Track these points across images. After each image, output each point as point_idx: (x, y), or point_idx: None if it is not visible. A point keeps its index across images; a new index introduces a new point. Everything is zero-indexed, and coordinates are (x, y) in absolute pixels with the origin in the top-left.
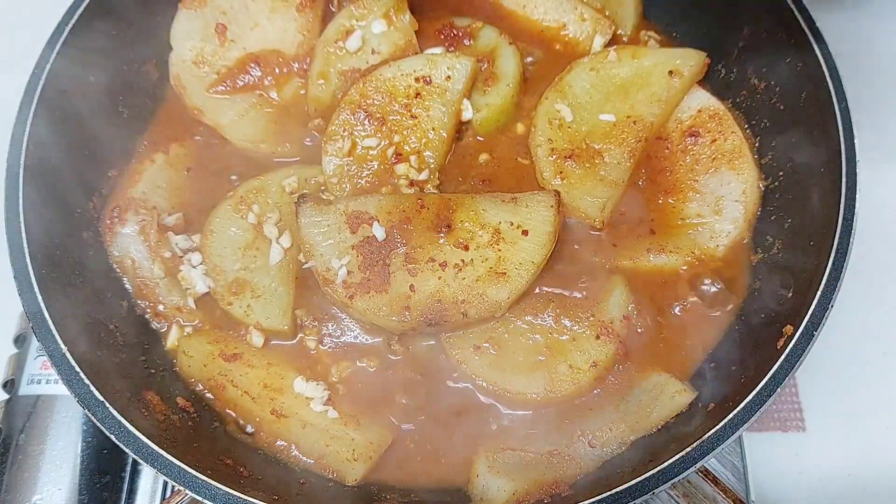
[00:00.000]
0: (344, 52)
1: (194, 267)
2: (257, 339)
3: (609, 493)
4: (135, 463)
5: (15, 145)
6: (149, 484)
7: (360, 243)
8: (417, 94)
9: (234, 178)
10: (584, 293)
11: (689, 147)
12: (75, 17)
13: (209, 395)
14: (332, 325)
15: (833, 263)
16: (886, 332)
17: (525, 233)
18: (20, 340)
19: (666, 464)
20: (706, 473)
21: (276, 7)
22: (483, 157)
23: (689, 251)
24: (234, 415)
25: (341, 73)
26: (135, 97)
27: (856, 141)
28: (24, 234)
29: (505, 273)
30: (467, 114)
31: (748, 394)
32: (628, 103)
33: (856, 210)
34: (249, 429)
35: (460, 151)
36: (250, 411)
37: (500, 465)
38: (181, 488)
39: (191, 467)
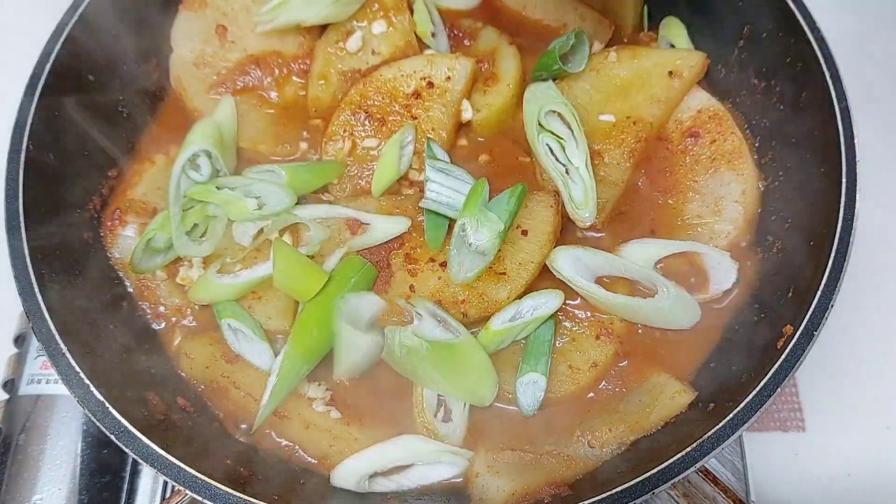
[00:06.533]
0: (344, 52)
1: (194, 268)
2: None
3: (609, 493)
4: (135, 463)
5: (15, 145)
6: (149, 484)
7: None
8: (417, 95)
9: None
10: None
11: (689, 147)
12: (76, 16)
13: (211, 396)
14: None
15: (833, 263)
16: (886, 332)
17: (525, 233)
18: (20, 340)
19: (666, 464)
20: (706, 473)
21: None
22: (483, 157)
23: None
24: (235, 415)
25: (341, 73)
26: (135, 98)
27: (856, 141)
28: (24, 234)
29: (505, 273)
30: (467, 114)
31: (748, 394)
32: (628, 104)
33: (856, 210)
34: (251, 429)
35: (460, 152)
36: (253, 412)
37: (500, 465)
38: (181, 488)
39: (191, 467)
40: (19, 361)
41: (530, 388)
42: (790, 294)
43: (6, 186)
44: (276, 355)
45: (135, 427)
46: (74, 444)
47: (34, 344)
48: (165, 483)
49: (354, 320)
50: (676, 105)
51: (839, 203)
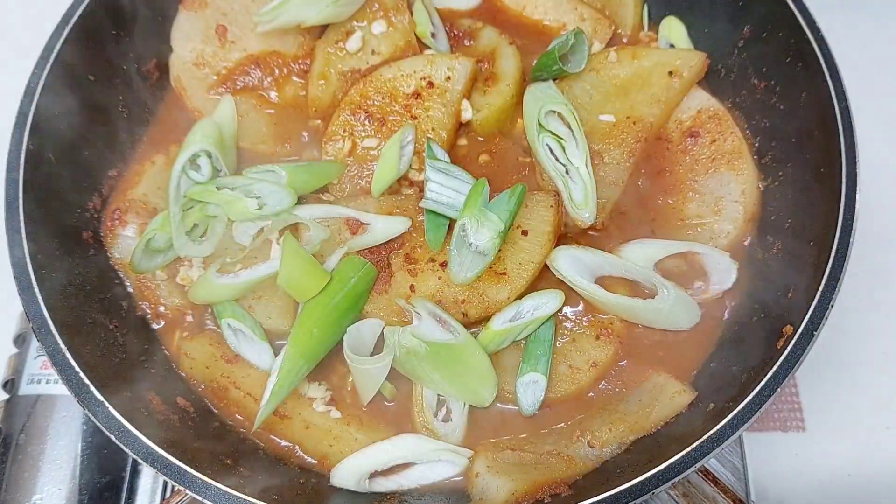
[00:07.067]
0: (344, 52)
1: (194, 268)
2: None
3: (609, 493)
4: (135, 463)
5: (15, 145)
6: (149, 484)
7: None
8: (417, 95)
9: None
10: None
11: (689, 147)
12: (76, 16)
13: (211, 395)
14: None
15: (833, 263)
16: (886, 332)
17: (525, 233)
18: (20, 340)
19: (666, 464)
20: (706, 473)
21: None
22: (483, 157)
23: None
24: (235, 415)
25: (341, 73)
26: (135, 98)
27: (856, 141)
28: (23, 234)
29: (505, 273)
30: (467, 114)
31: (748, 394)
32: (628, 104)
33: (856, 210)
34: (251, 429)
35: (460, 151)
36: (253, 412)
37: (500, 465)
38: (181, 488)
39: (191, 467)
40: (19, 361)
41: (530, 387)
42: (790, 294)
43: (6, 186)
44: (276, 355)
45: (135, 427)
46: (74, 444)
47: (34, 344)
48: (165, 483)
49: (360, 349)
50: (676, 105)
51: (839, 203)
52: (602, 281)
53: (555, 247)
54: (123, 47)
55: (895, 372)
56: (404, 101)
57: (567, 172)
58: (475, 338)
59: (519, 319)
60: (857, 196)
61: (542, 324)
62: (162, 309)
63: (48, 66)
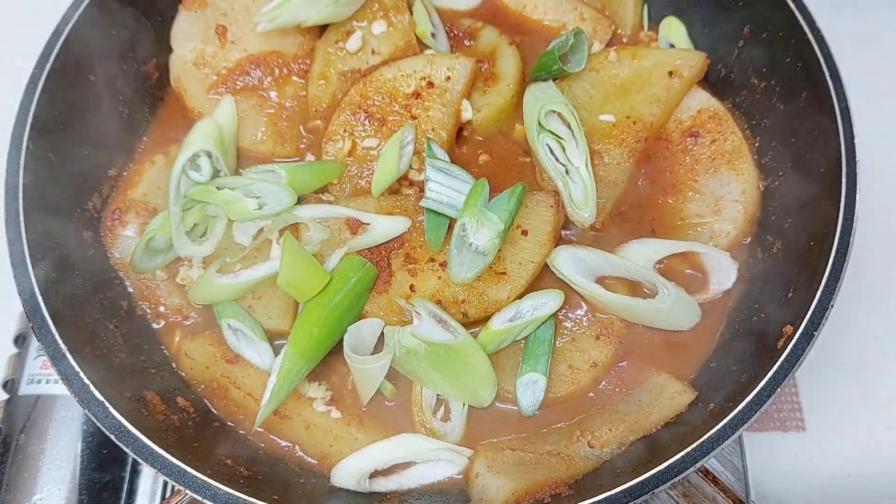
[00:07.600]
0: (344, 52)
1: (194, 268)
2: None
3: (609, 493)
4: (135, 463)
5: (15, 145)
6: (149, 484)
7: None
8: (417, 95)
9: None
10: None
11: (689, 147)
12: (75, 16)
13: (211, 395)
14: None
15: (833, 264)
16: (886, 332)
17: (525, 233)
18: (20, 340)
19: (666, 464)
20: (706, 473)
21: None
22: (483, 157)
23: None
24: (235, 415)
25: (341, 73)
26: (135, 98)
27: (856, 141)
28: (23, 234)
29: (505, 273)
30: (467, 114)
31: (748, 394)
32: (628, 104)
33: (856, 210)
34: (251, 429)
35: (460, 152)
36: (253, 412)
37: (500, 465)
38: (181, 488)
39: (191, 467)
40: (19, 361)
41: (530, 387)
42: (790, 294)
43: (6, 186)
44: (276, 355)
45: (135, 427)
46: (74, 444)
47: (34, 344)
48: (165, 483)
49: (360, 349)
50: (676, 105)
51: (839, 203)
52: (602, 281)
53: (555, 247)
54: (123, 47)
55: (895, 372)
56: (404, 101)
57: (567, 172)
58: (475, 338)
59: (519, 319)
60: (857, 196)
61: (542, 323)
62: (162, 309)
63: (48, 67)
